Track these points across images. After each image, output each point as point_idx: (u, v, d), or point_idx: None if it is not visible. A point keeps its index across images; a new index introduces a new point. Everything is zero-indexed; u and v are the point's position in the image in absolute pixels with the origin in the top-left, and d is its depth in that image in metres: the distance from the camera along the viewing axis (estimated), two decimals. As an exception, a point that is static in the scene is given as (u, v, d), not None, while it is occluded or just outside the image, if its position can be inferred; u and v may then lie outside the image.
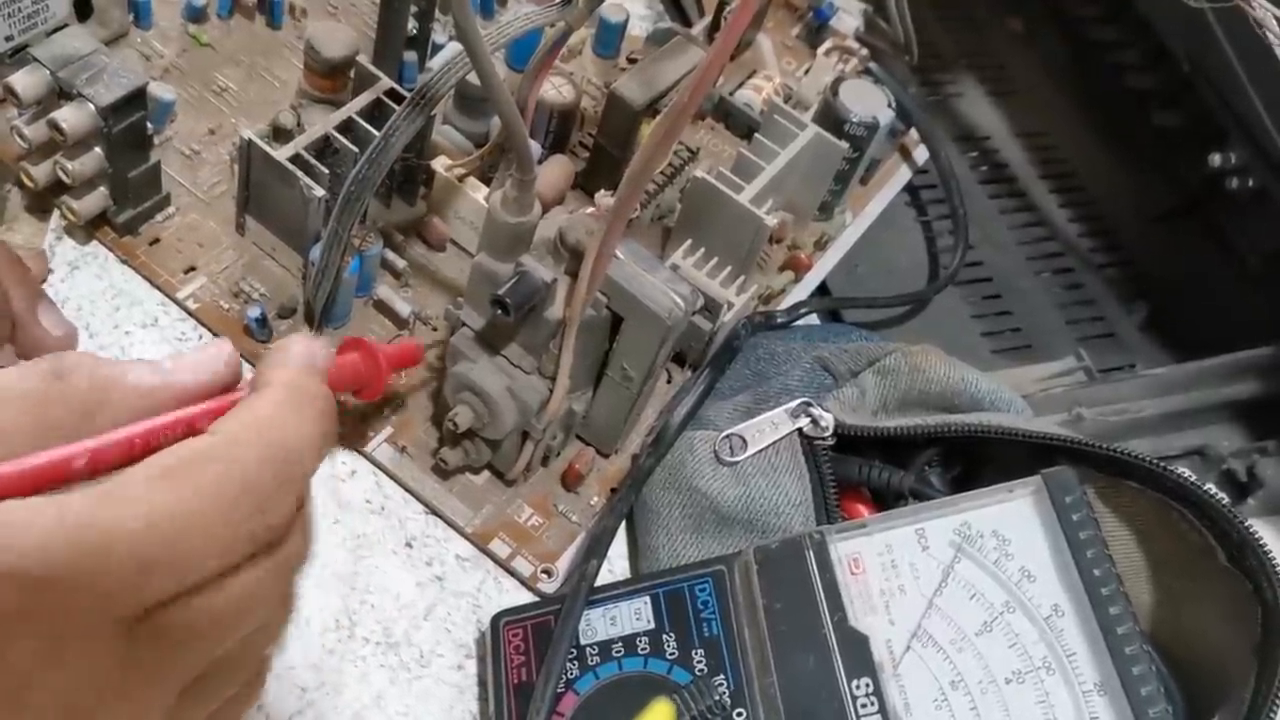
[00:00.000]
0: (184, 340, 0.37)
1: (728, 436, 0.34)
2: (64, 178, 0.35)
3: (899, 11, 0.47)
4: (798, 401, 0.34)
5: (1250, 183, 0.49)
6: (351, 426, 0.36)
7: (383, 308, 0.38)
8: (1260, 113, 0.43)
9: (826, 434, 0.34)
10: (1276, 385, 0.44)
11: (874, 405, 0.35)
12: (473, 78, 0.35)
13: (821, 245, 0.45)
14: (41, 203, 0.38)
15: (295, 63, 0.44)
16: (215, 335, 0.37)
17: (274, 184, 0.36)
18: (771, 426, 0.34)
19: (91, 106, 0.34)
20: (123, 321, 0.37)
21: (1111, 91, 0.55)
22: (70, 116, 0.34)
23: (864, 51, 0.48)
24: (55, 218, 0.38)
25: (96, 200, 0.37)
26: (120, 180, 0.36)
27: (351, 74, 0.39)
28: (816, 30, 0.50)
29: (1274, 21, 0.35)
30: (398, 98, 0.38)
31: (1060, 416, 0.40)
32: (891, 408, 0.34)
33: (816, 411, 0.34)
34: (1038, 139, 0.54)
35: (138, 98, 0.35)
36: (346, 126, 0.37)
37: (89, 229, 0.38)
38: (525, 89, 0.36)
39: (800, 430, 0.34)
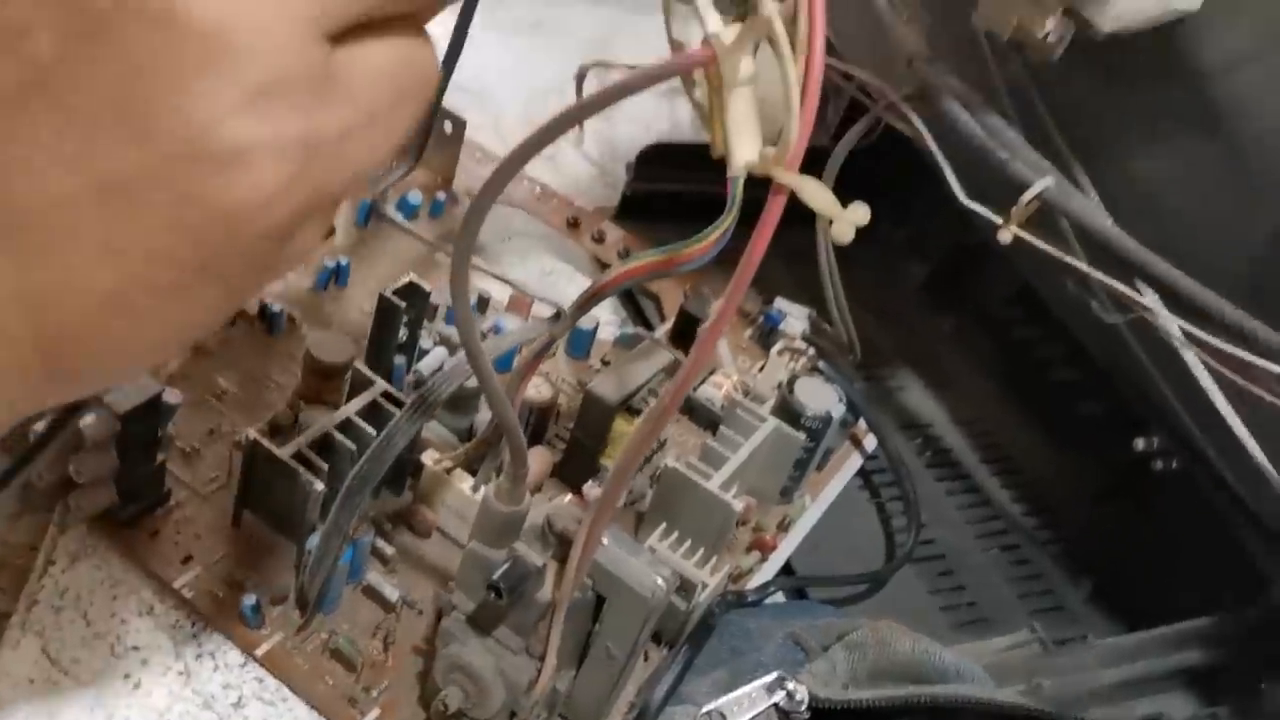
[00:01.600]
0: (178, 627, 0.38)
1: (707, 713, 0.36)
2: (75, 477, 0.38)
3: (840, 316, 0.52)
4: (773, 676, 0.36)
5: (1174, 465, 0.54)
6: (339, 707, 0.37)
7: (371, 593, 0.40)
8: (1172, 403, 0.48)
9: (802, 707, 0.35)
10: (1220, 654, 0.46)
11: (845, 678, 0.36)
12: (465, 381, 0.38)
13: (784, 527, 0.48)
14: (46, 500, 0.40)
15: (292, 368, 0.47)
16: (210, 622, 0.38)
17: (273, 479, 0.39)
18: (749, 701, 0.35)
19: (111, 413, 0.37)
20: (120, 610, 0.38)
21: (1039, 383, 0.61)
22: (91, 423, 0.37)
23: (812, 351, 0.53)
24: (59, 513, 0.40)
25: (102, 498, 0.39)
26: (127, 480, 0.39)
27: (347, 378, 0.43)
28: (768, 333, 0.55)
29: (1177, 329, 0.40)
30: (392, 399, 0.41)
31: (1021, 686, 0.42)
32: (862, 680, 0.36)
33: (792, 685, 0.35)
34: (976, 426, 0.59)
35: (153, 404, 0.38)
36: (345, 425, 0.40)
37: (92, 523, 0.40)
38: (512, 391, 0.40)
39: (777, 705, 0.35)
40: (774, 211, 0.29)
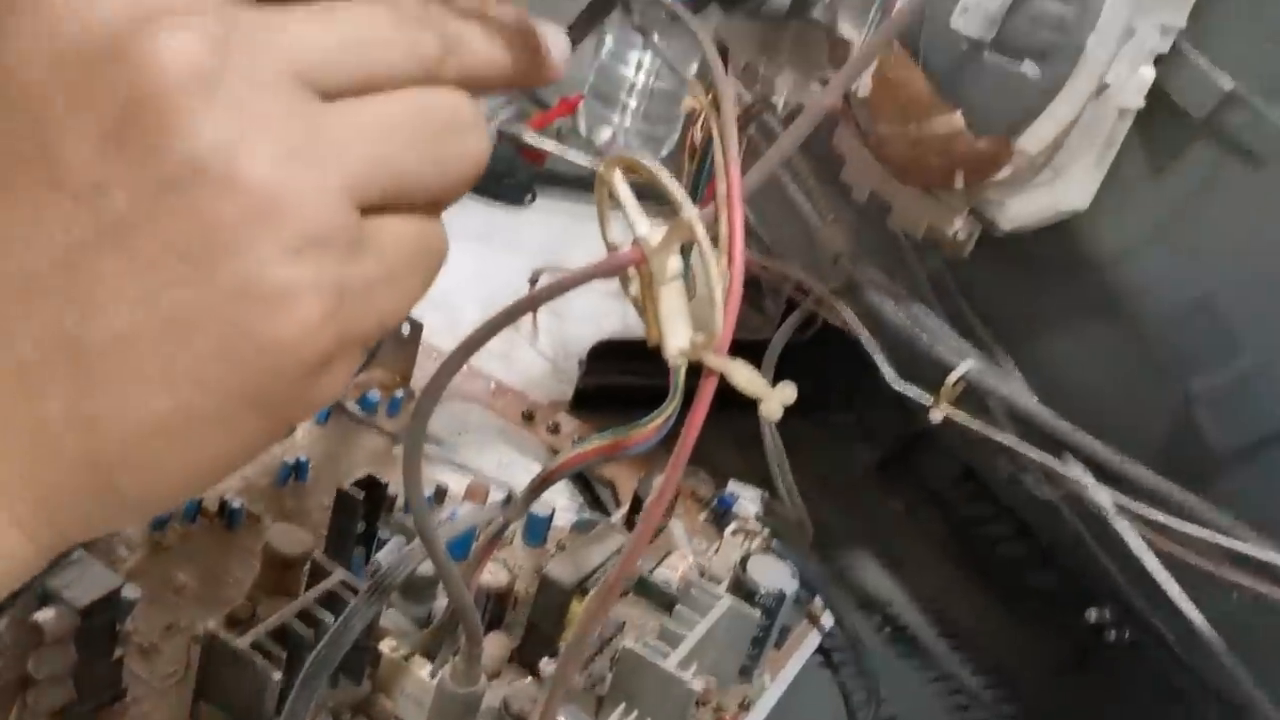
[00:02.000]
0: (130, 831, 0.37)
1: None
2: (33, 674, 0.38)
3: (789, 496, 0.54)
4: None
5: (1126, 635, 0.55)
6: None
7: (328, 786, 0.40)
8: (1113, 573, 0.50)
9: None
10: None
11: None
12: (420, 568, 0.40)
13: (745, 706, 0.49)
14: (3, 699, 0.40)
15: (251, 562, 0.48)
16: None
17: (231, 670, 0.39)
18: None
19: (71, 608, 0.37)
20: (73, 813, 0.38)
21: (989, 558, 0.62)
22: (51, 618, 0.37)
23: (766, 531, 0.54)
24: (16, 711, 0.40)
25: (61, 695, 0.39)
26: (86, 676, 0.39)
27: (305, 568, 0.44)
28: (722, 515, 0.57)
29: (1107, 499, 0.42)
30: (350, 587, 0.42)
31: None
32: None
33: None
34: (932, 602, 0.60)
35: (112, 599, 0.39)
36: (303, 614, 0.41)
37: (48, 722, 0.40)
38: (468, 574, 0.41)
39: None
40: (706, 393, 0.31)
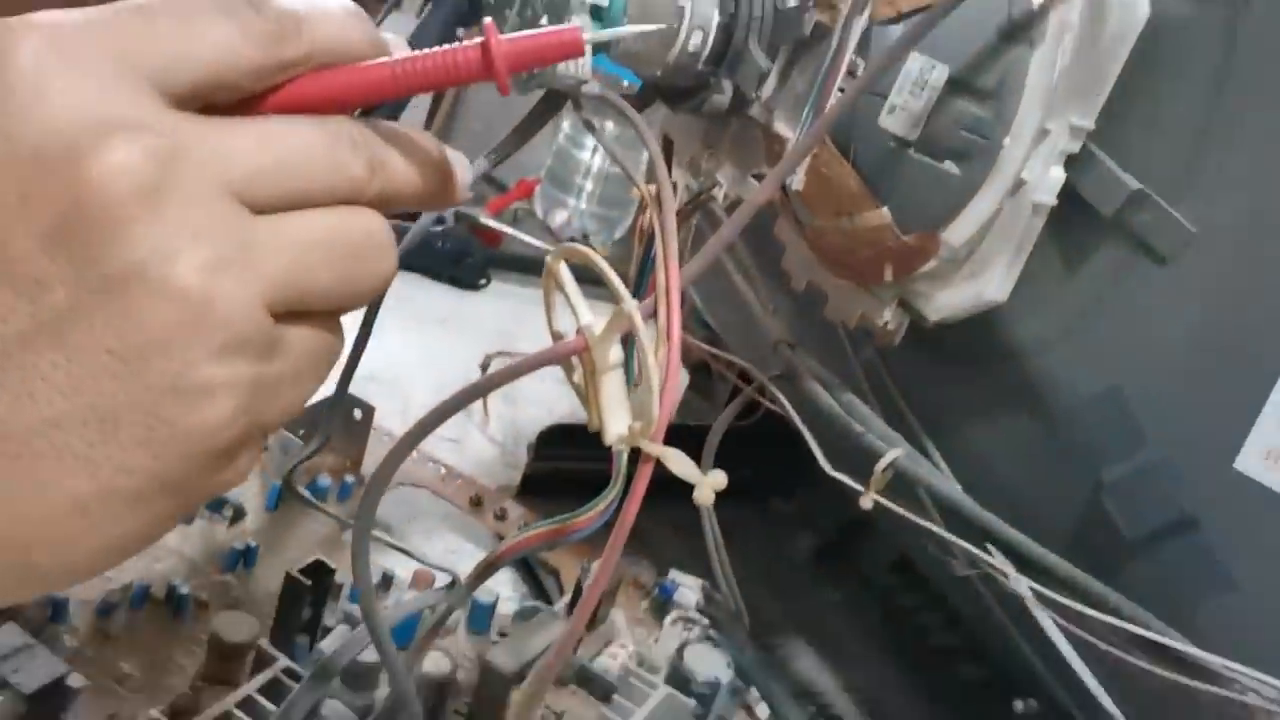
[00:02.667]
0: None
1: None
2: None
3: (728, 586, 0.55)
4: None
5: (1053, 725, 0.56)
6: None
7: None
8: (1038, 665, 0.51)
9: None
10: None
11: None
12: (362, 656, 0.40)
13: (682, 794, 0.49)
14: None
15: (196, 650, 0.48)
16: None
17: (171, 760, 0.39)
18: None
19: (17, 694, 0.37)
20: None
21: (922, 648, 0.63)
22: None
23: (705, 621, 0.55)
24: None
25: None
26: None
27: (250, 656, 0.44)
28: (662, 603, 0.57)
29: (1027, 591, 0.43)
30: (293, 675, 0.42)
31: None
32: None
33: None
34: (865, 692, 0.61)
35: (58, 686, 0.39)
36: (245, 703, 0.41)
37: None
38: (410, 662, 0.41)
39: None
40: (643, 479, 0.32)
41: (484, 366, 0.72)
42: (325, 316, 0.28)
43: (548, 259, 0.35)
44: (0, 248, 0.23)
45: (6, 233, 0.23)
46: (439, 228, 0.91)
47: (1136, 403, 0.39)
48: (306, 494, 0.56)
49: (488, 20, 0.28)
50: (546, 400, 0.79)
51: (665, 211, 0.33)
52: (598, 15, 0.36)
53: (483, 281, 0.93)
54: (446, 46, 0.28)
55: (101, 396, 0.24)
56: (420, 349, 0.80)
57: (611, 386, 0.33)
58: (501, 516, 0.62)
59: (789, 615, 0.65)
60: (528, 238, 0.96)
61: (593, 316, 0.33)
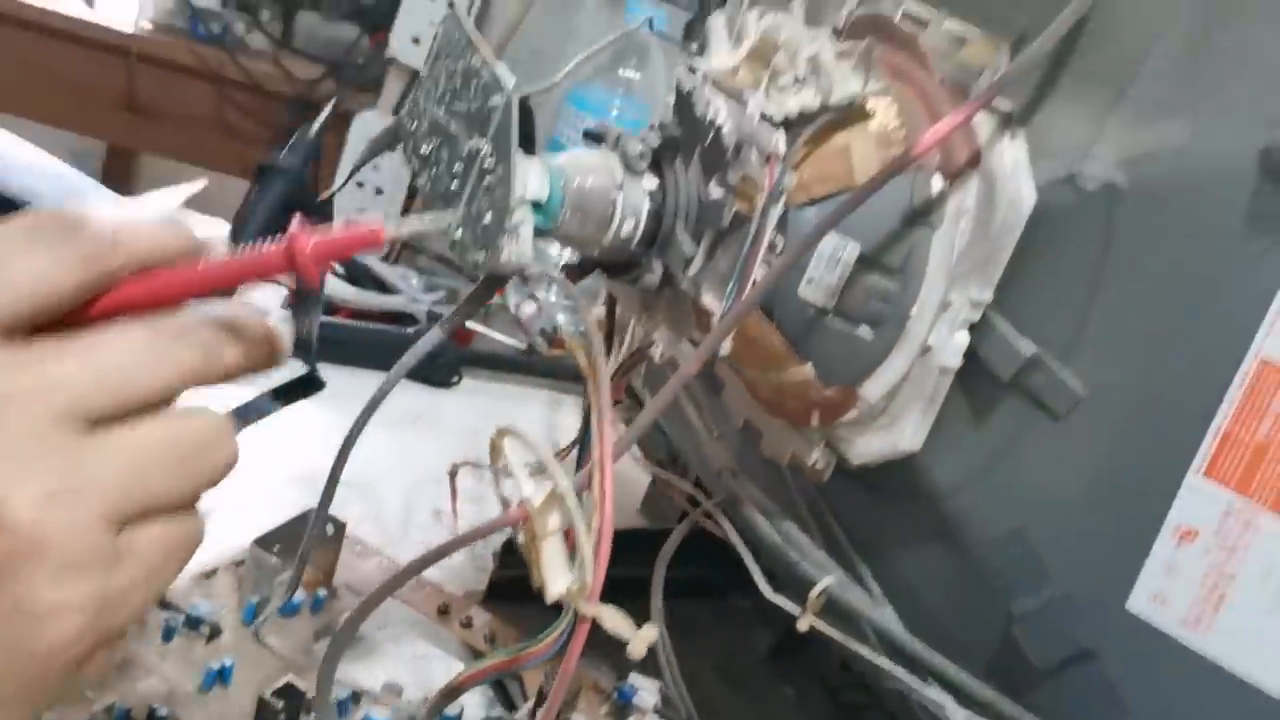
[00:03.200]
0: None
1: None
2: None
3: (678, 693, 0.59)
4: None
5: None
6: None
7: None
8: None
9: None
10: None
11: None
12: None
13: None
14: None
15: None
16: None
17: None
18: None
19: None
20: None
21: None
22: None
23: (661, 727, 0.58)
24: None
25: None
26: None
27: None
28: (622, 708, 0.61)
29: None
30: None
31: None
32: None
33: None
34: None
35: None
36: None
37: None
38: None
39: None
40: (580, 637, 0.36)
41: (452, 475, 0.75)
42: (172, 512, 0.30)
43: (492, 436, 0.39)
44: None
45: None
46: (412, 329, 0.95)
47: (1039, 543, 0.43)
48: (272, 646, 0.58)
49: (296, 217, 0.32)
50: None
51: (600, 385, 0.37)
52: (538, 208, 0.41)
53: (455, 379, 0.97)
54: (253, 248, 0.31)
55: None
56: (392, 451, 0.83)
57: (551, 550, 0.37)
58: (468, 624, 0.65)
59: (744, 713, 0.68)
60: (499, 335, 1.00)
61: (533, 489, 0.37)
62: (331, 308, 0.93)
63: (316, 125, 0.37)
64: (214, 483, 0.31)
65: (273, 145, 1.63)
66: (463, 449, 0.84)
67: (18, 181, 1.19)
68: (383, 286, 1.01)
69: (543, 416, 0.98)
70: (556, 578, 0.37)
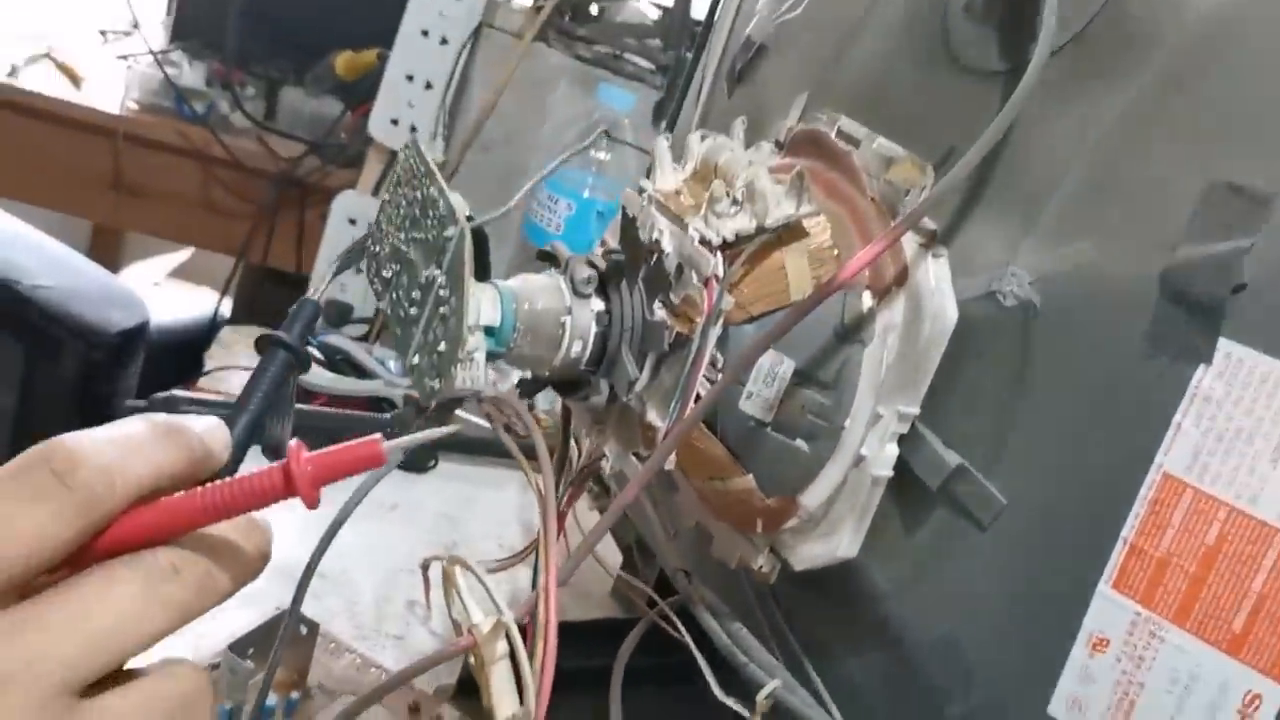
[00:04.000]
0: None
1: None
2: None
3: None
4: None
5: None
6: None
7: None
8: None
9: None
10: None
11: None
12: None
13: None
14: None
15: None
16: None
17: None
18: None
19: None
20: None
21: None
22: None
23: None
24: None
25: None
26: None
27: None
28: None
29: None
30: None
31: None
32: None
33: None
34: None
35: None
36: None
37: None
38: None
39: None
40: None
41: (424, 568, 0.77)
42: (158, 668, 0.31)
43: (443, 564, 0.41)
44: None
45: None
46: (387, 415, 0.97)
47: (967, 648, 0.45)
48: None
49: (292, 443, 0.32)
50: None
51: (547, 512, 0.39)
52: (491, 333, 0.43)
53: (431, 464, 0.99)
54: (251, 475, 0.32)
55: None
56: (367, 541, 0.85)
57: (499, 676, 0.38)
58: (436, 720, 0.66)
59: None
60: (475, 419, 1.02)
61: (481, 616, 0.39)
62: (308, 394, 0.95)
63: (317, 292, 0.38)
64: None
65: (257, 223, 1.66)
66: (439, 536, 0.86)
67: (2, 258, 1.22)
68: (360, 371, 1.03)
69: (518, 499, 1.00)
70: (504, 703, 0.38)
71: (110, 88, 1.71)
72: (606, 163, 1.17)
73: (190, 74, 1.72)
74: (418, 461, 0.98)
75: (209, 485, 0.31)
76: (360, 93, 1.64)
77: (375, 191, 1.38)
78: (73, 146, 1.67)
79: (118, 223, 1.87)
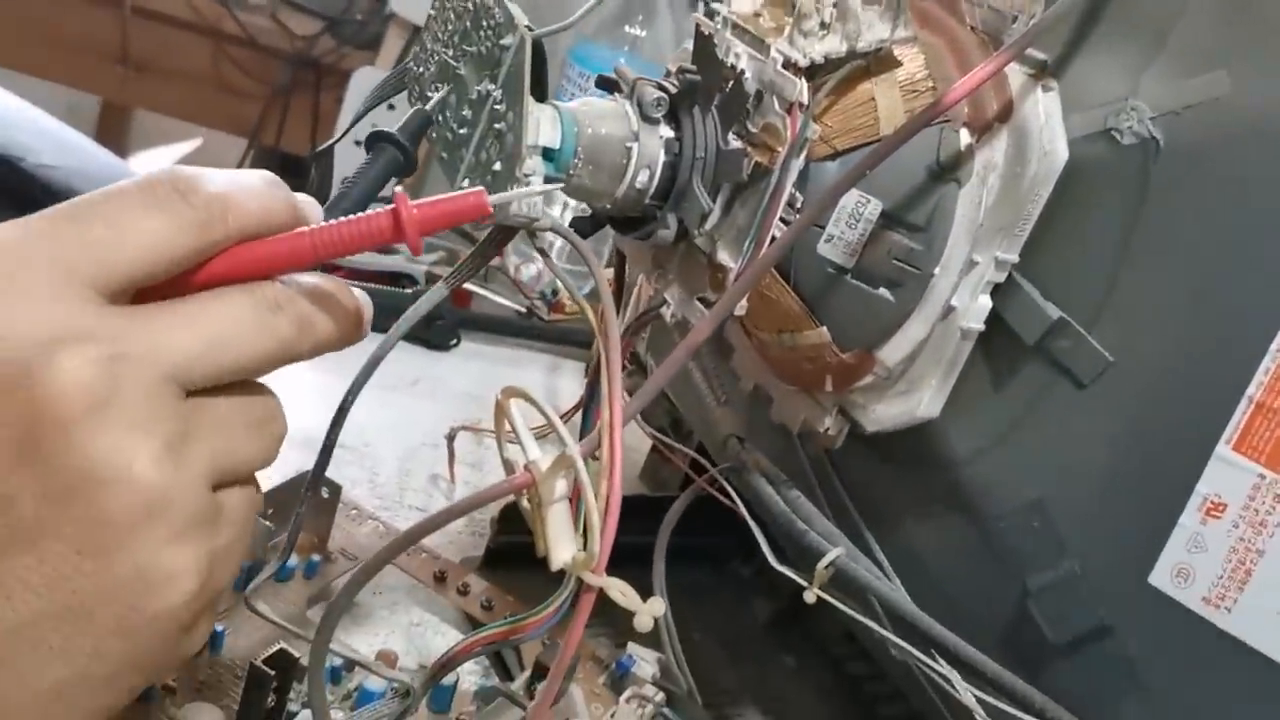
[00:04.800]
0: None
1: None
2: None
3: (678, 667, 0.57)
4: None
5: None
6: None
7: None
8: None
9: None
10: None
11: None
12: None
13: None
14: None
15: (163, 734, 0.49)
16: None
17: None
18: None
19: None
20: None
21: (871, 717, 0.66)
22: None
23: (660, 695, 0.57)
24: None
25: None
26: None
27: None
28: (620, 678, 0.59)
29: (973, 703, 0.45)
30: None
31: None
32: None
33: None
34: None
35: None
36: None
37: None
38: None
39: None
40: (584, 609, 0.34)
41: (450, 439, 0.74)
42: (248, 478, 0.32)
43: (498, 396, 0.37)
44: None
45: None
46: (409, 290, 0.93)
47: (1057, 516, 0.41)
48: (267, 612, 0.56)
49: (398, 189, 0.31)
50: (513, 465, 0.81)
51: (611, 349, 0.36)
52: (549, 156, 0.39)
53: (453, 342, 0.95)
54: (360, 215, 0.31)
55: (75, 594, 0.26)
56: (389, 414, 0.82)
57: (557, 518, 0.35)
58: (464, 592, 0.63)
59: (745, 682, 0.67)
60: (498, 298, 0.98)
61: (539, 452, 0.35)
62: (328, 268, 0.91)
63: (433, 101, 0.35)
64: (276, 454, 0.32)
65: (270, 104, 1.61)
66: (460, 412, 0.83)
67: (6, 136, 1.17)
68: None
69: (542, 380, 0.96)
70: (562, 546, 0.35)
71: (118, -43, 1.65)
72: (641, 40, 1.11)
73: (202, -55, 1.66)
74: (439, 339, 0.94)
75: (319, 225, 0.31)
76: (377, -29, 1.57)
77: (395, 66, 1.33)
78: (80, 19, 1.61)
79: (125, 99, 1.81)
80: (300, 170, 1.66)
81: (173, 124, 2.09)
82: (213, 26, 1.64)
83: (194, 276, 0.30)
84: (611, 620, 0.64)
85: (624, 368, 0.76)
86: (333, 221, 0.32)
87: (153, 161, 2.42)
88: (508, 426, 0.36)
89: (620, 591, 0.34)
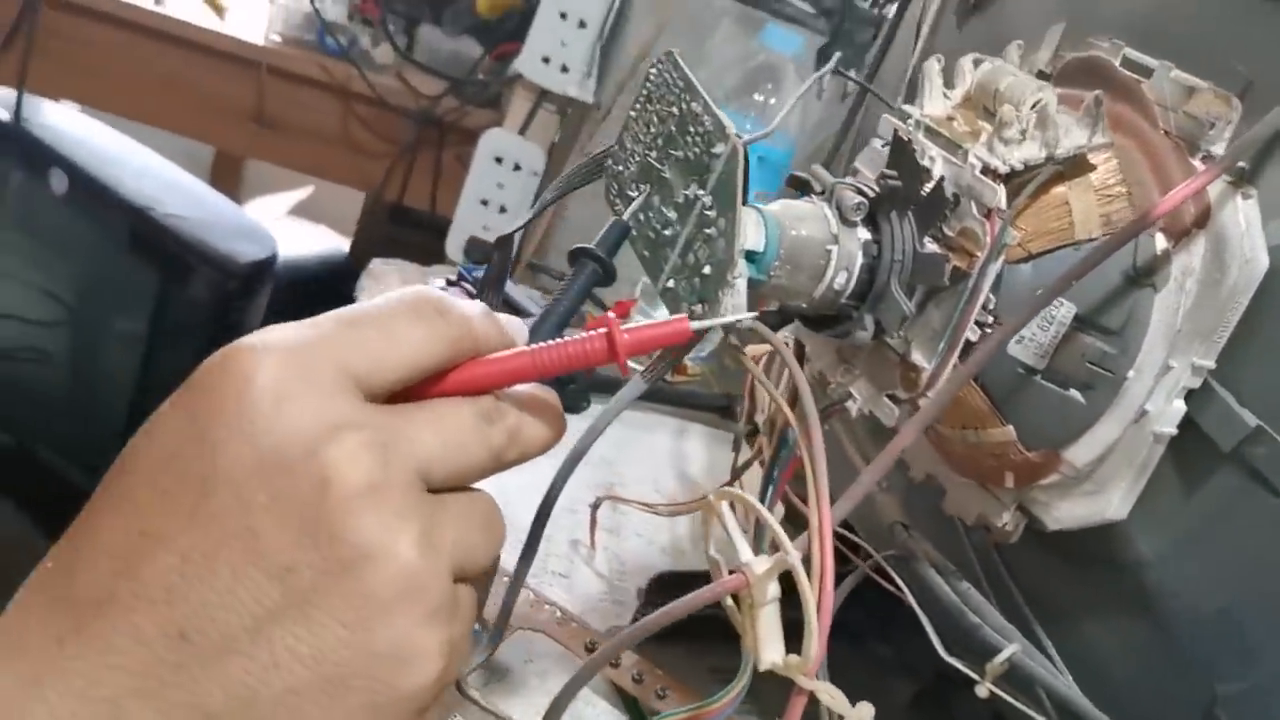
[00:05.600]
0: None
1: None
2: None
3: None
4: None
5: None
6: None
7: None
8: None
9: None
10: None
11: None
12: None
13: None
14: None
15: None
16: None
17: None
18: None
19: None
20: None
21: None
22: None
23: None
24: None
25: None
26: None
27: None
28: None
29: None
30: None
31: None
32: None
33: None
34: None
35: None
36: None
37: None
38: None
39: None
40: (795, 710, 0.35)
41: (594, 507, 0.75)
42: (477, 574, 0.33)
43: (710, 497, 0.38)
44: (254, 539, 0.28)
45: (260, 527, 0.28)
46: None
47: (1248, 624, 0.41)
48: (477, 697, 0.57)
49: (611, 315, 0.34)
50: (647, 531, 0.82)
51: (815, 454, 0.36)
52: (752, 259, 0.40)
53: (584, 405, 0.96)
54: (578, 339, 0.34)
55: (337, 665, 0.28)
56: (524, 478, 0.83)
57: (768, 619, 0.36)
58: (616, 664, 0.64)
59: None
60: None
61: (751, 555, 0.36)
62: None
63: (628, 213, 0.37)
64: (498, 553, 0.34)
65: (396, 160, 1.65)
66: (594, 476, 0.84)
67: (138, 187, 1.23)
68: (512, 308, 1.02)
69: (670, 445, 0.97)
70: (770, 647, 0.36)
71: (252, 19, 1.72)
72: (770, 107, 1.13)
73: (331, 8, 1.72)
74: (571, 402, 0.96)
75: (538, 345, 0.34)
76: (499, 33, 1.61)
77: (523, 130, 1.36)
78: (217, 78, 1.68)
79: (256, 154, 1.88)
80: (409, 221, 1.72)
81: (282, 171, 2.16)
82: (342, 86, 1.70)
83: (431, 387, 0.33)
84: (756, 696, 0.64)
85: (739, 439, 0.77)
86: (554, 342, 0.34)
87: (266, 208, 2.50)
88: (719, 524, 0.37)
89: (829, 694, 0.34)
